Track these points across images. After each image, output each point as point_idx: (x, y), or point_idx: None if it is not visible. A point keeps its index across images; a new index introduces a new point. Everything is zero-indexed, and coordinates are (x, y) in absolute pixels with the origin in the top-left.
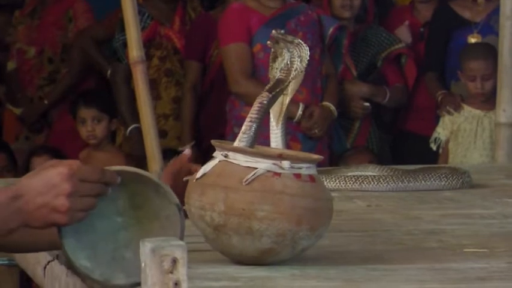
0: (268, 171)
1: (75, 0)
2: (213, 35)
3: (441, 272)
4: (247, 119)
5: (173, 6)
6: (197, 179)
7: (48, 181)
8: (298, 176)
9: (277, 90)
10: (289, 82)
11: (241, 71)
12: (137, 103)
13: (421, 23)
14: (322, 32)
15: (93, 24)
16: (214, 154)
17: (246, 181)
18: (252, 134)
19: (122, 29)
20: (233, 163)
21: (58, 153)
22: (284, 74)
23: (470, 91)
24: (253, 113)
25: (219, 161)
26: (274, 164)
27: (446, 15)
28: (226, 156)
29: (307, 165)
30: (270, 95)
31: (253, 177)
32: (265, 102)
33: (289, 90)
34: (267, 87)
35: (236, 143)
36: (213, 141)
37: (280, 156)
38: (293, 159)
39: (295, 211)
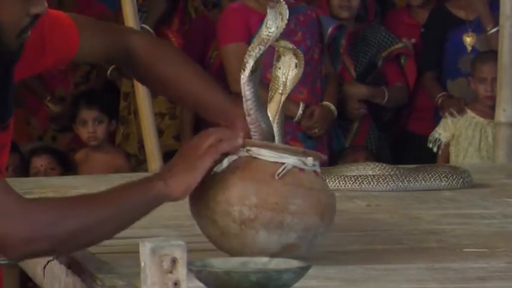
0: (295, 166)
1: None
2: (211, 36)
3: (441, 271)
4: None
5: (173, 5)
6: (217, 173)
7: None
8: (316, 173)
9: (257, 50)
10: (268, 42)
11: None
12: (137, 103)
13: (419, 23)
14: (322, 32)
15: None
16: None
17: (278, 175)
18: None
19: None
20: (258, 158)
21: (58, 153)
22: (266, 35)
23: (480, 95)
24: (246, 88)
25: (239, 156)
26: (299, 160)
27: (442, 16)
28: (248, 151)
29: (317, 162)
30: (252, 60)
31: (284, 171)
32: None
33: (286, 89)
34: (249, 50)
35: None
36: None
37: (305, 153)
38: (314, 157)
39: (321, 206)
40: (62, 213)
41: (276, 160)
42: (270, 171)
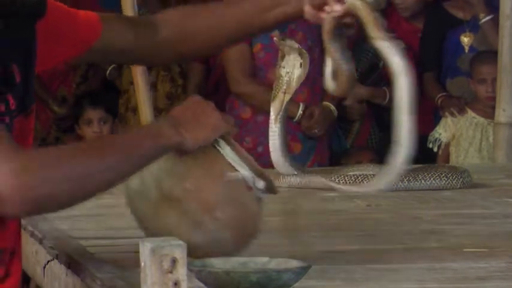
0: (244, 180)
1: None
2: None
3: (441, 271)
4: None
5: (172, 6)
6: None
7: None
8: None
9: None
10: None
11: (242, 71)
12: (136, 99)
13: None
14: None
15: None
16: None
17: (226, 177)
18: None
19: None
20: (220, 154)
21: None
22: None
23: (481, 95)
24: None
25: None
26: (252, 177)
27: (440, 16)
28: (216, 141)
29: (266, 193)
30: None
31: (233, 178)
32: None
33: (290, 88)
34: None
35: None
36: None
37: (262, 176)
38: (268, 185)
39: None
40: (60, 157)
41: (235, 166)
42: (221, 169)
